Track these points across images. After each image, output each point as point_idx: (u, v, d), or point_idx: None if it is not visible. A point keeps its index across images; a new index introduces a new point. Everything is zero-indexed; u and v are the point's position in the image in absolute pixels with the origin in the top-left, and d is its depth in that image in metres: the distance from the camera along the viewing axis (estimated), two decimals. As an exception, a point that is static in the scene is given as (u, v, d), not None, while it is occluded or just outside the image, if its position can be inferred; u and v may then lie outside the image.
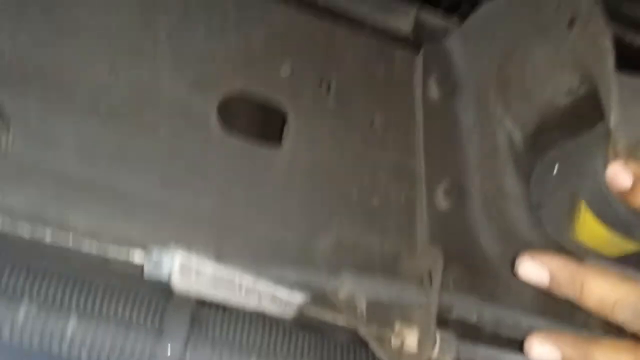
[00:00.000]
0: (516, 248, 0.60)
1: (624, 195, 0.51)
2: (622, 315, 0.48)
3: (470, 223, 0.61)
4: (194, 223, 0.51)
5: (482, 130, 0.62)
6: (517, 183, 0.60)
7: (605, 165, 0.51)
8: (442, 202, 0.61)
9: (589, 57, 0.50)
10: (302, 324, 0.59)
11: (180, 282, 0.46)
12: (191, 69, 0.54)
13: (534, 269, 0.51)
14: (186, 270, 0.46)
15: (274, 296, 0.48)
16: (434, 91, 0.63)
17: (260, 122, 0.64)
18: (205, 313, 0.53)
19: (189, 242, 0.48)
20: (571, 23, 0.52)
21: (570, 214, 0.55)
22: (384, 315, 0.54)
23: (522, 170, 0.61)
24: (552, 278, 0.50)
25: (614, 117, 0.48)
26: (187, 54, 0.55)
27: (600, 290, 0.49)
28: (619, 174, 0.48)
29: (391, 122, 0.62)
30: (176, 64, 0.54)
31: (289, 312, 0.49)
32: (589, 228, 0.54)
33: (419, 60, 0.64)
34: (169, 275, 0.46)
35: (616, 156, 0.49)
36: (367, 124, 0.61)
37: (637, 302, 0.47)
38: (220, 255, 0.49)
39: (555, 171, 0.56)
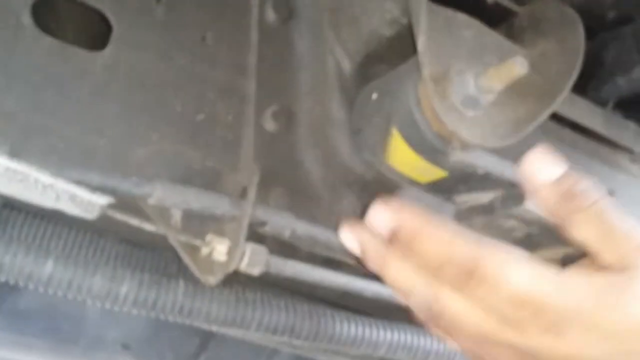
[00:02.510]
0: (337, 172, 0.62)
1: (431, 122, 0.53)
2: (413, 304, 0.46)
3: (295, 146, 0.62)
4: (-8, 119, 0.49)
5: (314, 57, 0.63)
6: (342, 110, 0.62)
7: (415, 91, 0.53)
8: (270, 124, 0.61)
9: (405, -17, 0.52)
10: (119, 233, 0.58)
11: (-31, 174, 0.44)
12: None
13: (348, 239, 0.48)
14: (-25, 161, 0.44)
15: (73, 195, 0.47)
16: (271, 15, 0.63)
17: (89, 28, 0.61)
18: (7, 213, 0.52)
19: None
20: (393, -50, 0.54)
21: (384, 139, 0.57)
22: (198, 226, 0.55)
23: (348, 98, 0.62)
24: (362, 251, 0.48)
25: (420, 43, 0.50)
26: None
27: (396, 277, 0.45)
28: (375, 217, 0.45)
29: (224, 40, 0.61)
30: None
31: (91, 214, 0.49)
32: (400, 153, 0.57)
33: (257, -18, 0.64)
34: (-44, 165, 0.44)
35: (425, 83, 0.52)
36: (197, 39, 0.60)
37: (425, 296, 0.43)
38: (19, 153, 0.47)
39: (373, 97, 0.58)
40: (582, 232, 0.42)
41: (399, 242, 0.44)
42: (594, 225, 0.42)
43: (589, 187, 0.43)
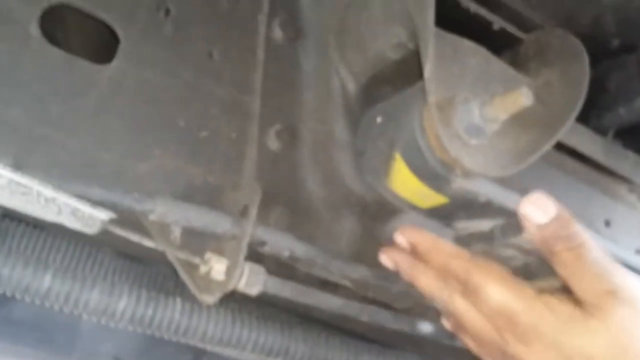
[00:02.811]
0: (339, 193, 0.62)
1: (435, 149, 0.54)
2: (436, 305, 0.54)
3: (298, 166, 0.62)
4: (-4, 130, 0.49)
5: (319, 77, 0.63)
6: (346, 130, 0.62)
7: (420, 118, 0.54)
8: (273, 142, 0.61)
9: (414, 9, 0.52)
10: (117, 247, 0.58)
11: (-29, 185, 0.44)
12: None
13: (384, 260, 0.58)
14: (-22, 172, 0.44)
15: (75, 209, 0.47)
16: (278, 33, 0.63)
17: (95, 39, 0.61)
18: (6, 224, 0.51)
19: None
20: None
21: (387, 163, 0.57)
22: (197, 243, 0.55)
23: (353, 118, 0.62)
24: (397, 267, 0.57)
25: (427, 70, 0.50)
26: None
27: (422, 284, 0.55)
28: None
29: (231, 57, 0.61)
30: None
31: (92, 228, 0.48)
32: (402, 178, 0.57)
33: (266, 0, 0.64)
34: (-42, 176, 0.44)
35: (430, 110, 0.52)
36: (204, 55, 0.60)
37: (442, 299, 0.52)
38: (22, 165, 0.47)
39: (378, 121, 0.58)
40: (562, 270, 0.49)
41: (419, 256, 0.55)
42: (572, 266, 0.48)
43: (574, 231, 0.49)
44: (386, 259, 0.58)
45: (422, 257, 0.54)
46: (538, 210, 0.49)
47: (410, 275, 0.56)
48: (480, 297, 0.49)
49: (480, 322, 0.50)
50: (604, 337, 0.45)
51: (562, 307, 0.47)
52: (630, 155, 0.83)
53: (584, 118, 0.78)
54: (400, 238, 0.57)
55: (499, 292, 0.49)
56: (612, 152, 0.83)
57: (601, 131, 0.84)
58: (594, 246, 0.48)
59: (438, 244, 0.55)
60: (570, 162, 0.79)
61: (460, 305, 0.51)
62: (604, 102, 0.85)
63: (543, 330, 0.46)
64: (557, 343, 0.46)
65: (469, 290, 0.50)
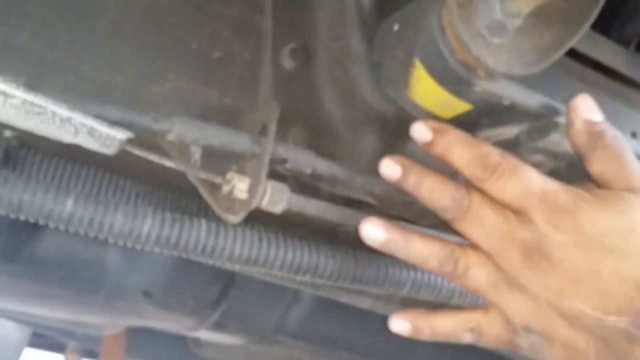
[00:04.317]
0: (358, 110, 0.61)
1: (456, 50, 0.52)
2: (442, 205, 0.53)
3: (314, 85, 0.61)
4: (7, 55, 0.48)
5: (331, -8, 0.61)
6: (362, 45, 0.60)
7: (439, 19, 0.52)
8: (288, 62, 0.60)
9: None
10: (137, 176, 0.57)
11: (-15, 106, 0.43)
12: None
13: (388, 165, 0.54)
14: (-9, 92, 0.43)
15: (92, 129, 0.46)
16: (285, -51, 0.61)
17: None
18: (23, 154, 0.51)
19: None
20: None
21: (406, 71, 0.55)
22: (218, 164, 0.54)
23: (368, 33, 0.60)
24: (404, 171, 0.54)
25: (445, -35, 0.48)
26: None
27: (430, 189, 0.53)
28: (418, 130, 0.53)
29: (239, -24, 0.60)
30: None
31: (110, 149, 0.47)
32: (423, 86, 0.55)
33: None
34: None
35: (449, 9, 0.50)
36: (212, -25, 0.58)
37: (456, 195, 0.51)
38: (35, 88, 0.46)
39: (395, 29, 0.56)
40: (600, 164, 0.52)
41: (436, 147, 0.53)
42: (612, 160, 0.52)
43: (616, 134, 0.53)
44: (389, 164, 0.53)
45: (443, 151, 0.53)
46: (591, 108, 0.54)
47: (417, 184, 0.53)
48: (518, 175, 0.50)
49: (497, 214, 0.51)
50: None
51: (597, 190, 0.51)
52: (654, 66, 0.80)
53: (604, 30, 0.75)
54: (422, 127, 0.53)
55: (535, 173, 0.51)
56: (635, 63, 0.81)
57: (623, 43, 0.81)
58: (631, 147, 0.54)
59: (464, 134, 0.54)
60: (592, 75, 0.77)
61: (476, 198, 0.51)
62: (625, 13, 0.82)
63: (577, 207, 0.49)
64: (590, 220, 0.48)
65: (502, 171, 0.50)
